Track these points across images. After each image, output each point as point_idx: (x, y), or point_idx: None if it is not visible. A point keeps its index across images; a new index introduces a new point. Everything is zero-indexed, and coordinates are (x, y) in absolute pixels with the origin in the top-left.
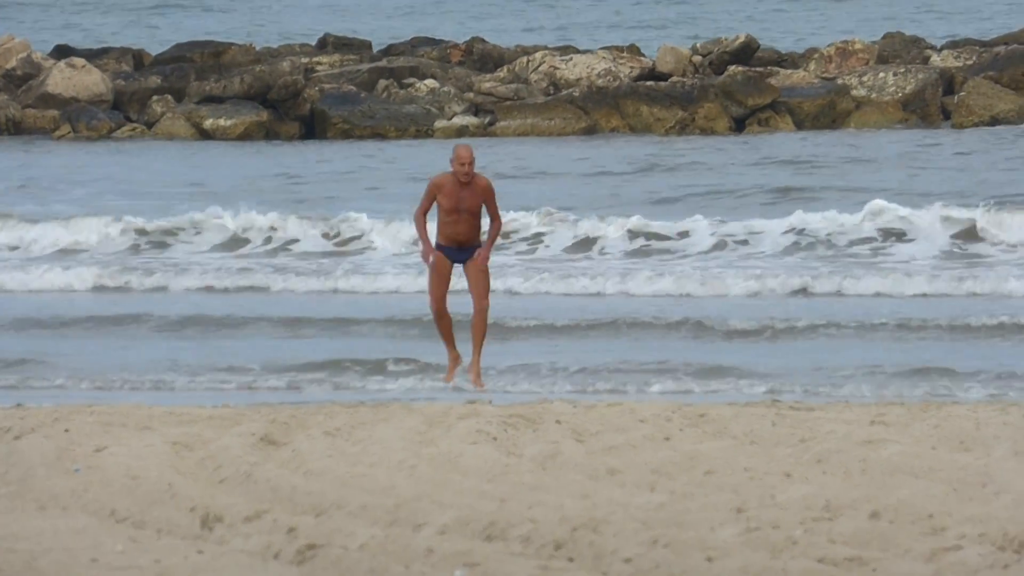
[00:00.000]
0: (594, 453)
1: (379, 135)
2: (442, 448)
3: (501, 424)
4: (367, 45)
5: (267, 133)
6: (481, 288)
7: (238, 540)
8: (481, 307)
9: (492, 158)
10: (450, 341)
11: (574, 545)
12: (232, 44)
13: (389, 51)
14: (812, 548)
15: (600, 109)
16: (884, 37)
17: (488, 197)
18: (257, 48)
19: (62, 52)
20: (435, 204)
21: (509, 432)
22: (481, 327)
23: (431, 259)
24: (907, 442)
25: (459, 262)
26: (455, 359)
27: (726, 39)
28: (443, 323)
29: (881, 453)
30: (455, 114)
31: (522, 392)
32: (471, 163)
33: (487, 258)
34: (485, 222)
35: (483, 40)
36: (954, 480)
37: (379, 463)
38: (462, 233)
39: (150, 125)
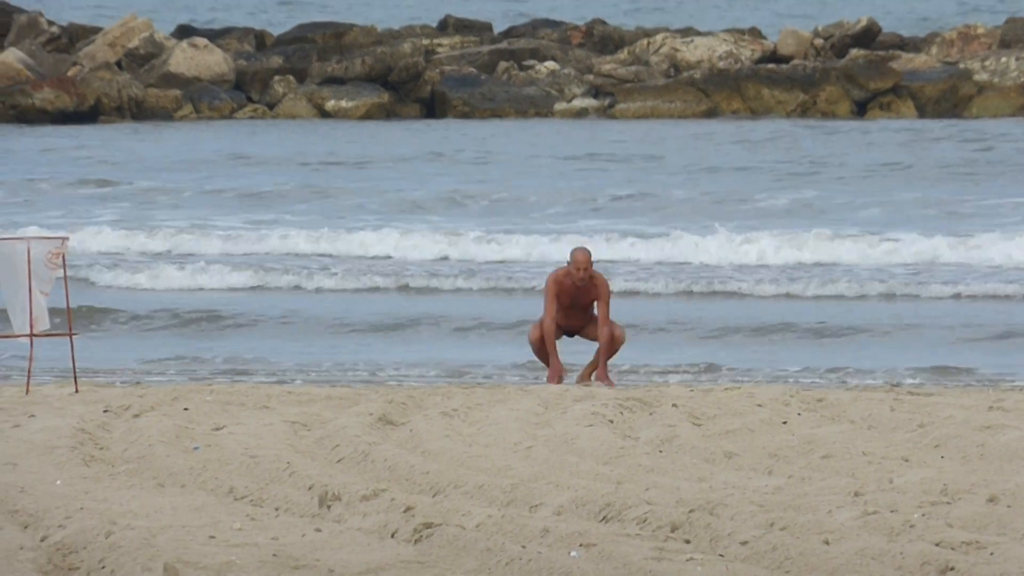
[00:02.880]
0: (711, 436)
1: (498, 117)
2: (558, 430)
3: (617, 407)
4: (488, 27)
5: (388, 114)
6: (606, 322)
7: (355, 518)
8: (617, 334)
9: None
10: (554, 350)
11: (690, 527)
12: (354, 25)
13: (509, 33)
14: (929, 532)
15: (721, 91)
16: (1007, 22)
17: (602, 298)
18: (378, 29)
19: (184, 32)
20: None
21: (625, 415)
22: (614, 343)
23: (562, 380)
24: None
25: (572, 334)
26: (559, 368)
27: (848, 22)
28: (549, 330)
29: (999, 438)
30: (575, 96)
31: None
32: (588, 267)
33: (606, 376)
34: None
35: (604, 22)
36: None
37: (495, 444)
38: (574, 324)
39: (271, 106)
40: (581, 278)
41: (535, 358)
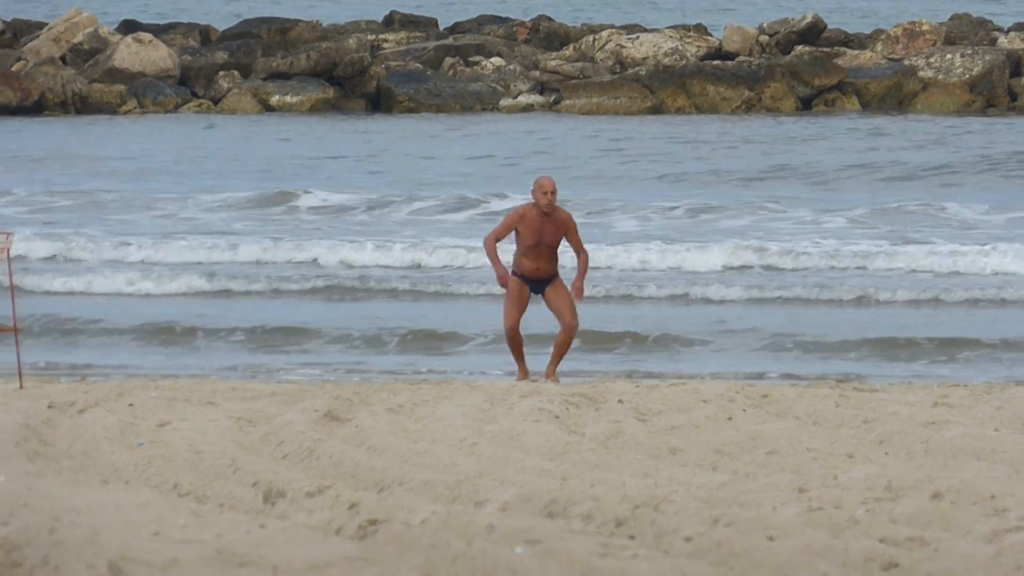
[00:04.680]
0: (656, 432)
1: (444, 112)
2: (504, 426)
3: (563, 403)
4: (433, 22)
5: (333, 109)
6: (569, 308)
7: (300, 515)
8: (570, 325)
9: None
10: (521, 359)
11: (635, 523)
12: (299, 21)
13: (455, 29)
14: (874, 528)
15: (666, 88)
16: (951, 18)
17: (570, 230)
18: (324, 25)
19: (129, 27)
20: (512, 235)
21: (571, 411)
22: (565, 343)
23: (508, 284)
24: (970, 424)
25: (537, 292)
26: (524, 374)
27: (793, 19)
28: (515, 343)
29: (943, 434)
30: (520, 92)
31: None
32: (554, 192)
33: (582, 289)
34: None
35: (549, 18)
36: (1016, 462)
37: (441, 440)
38: (542, 268)
39: (216, 101)
40: (549, 202)
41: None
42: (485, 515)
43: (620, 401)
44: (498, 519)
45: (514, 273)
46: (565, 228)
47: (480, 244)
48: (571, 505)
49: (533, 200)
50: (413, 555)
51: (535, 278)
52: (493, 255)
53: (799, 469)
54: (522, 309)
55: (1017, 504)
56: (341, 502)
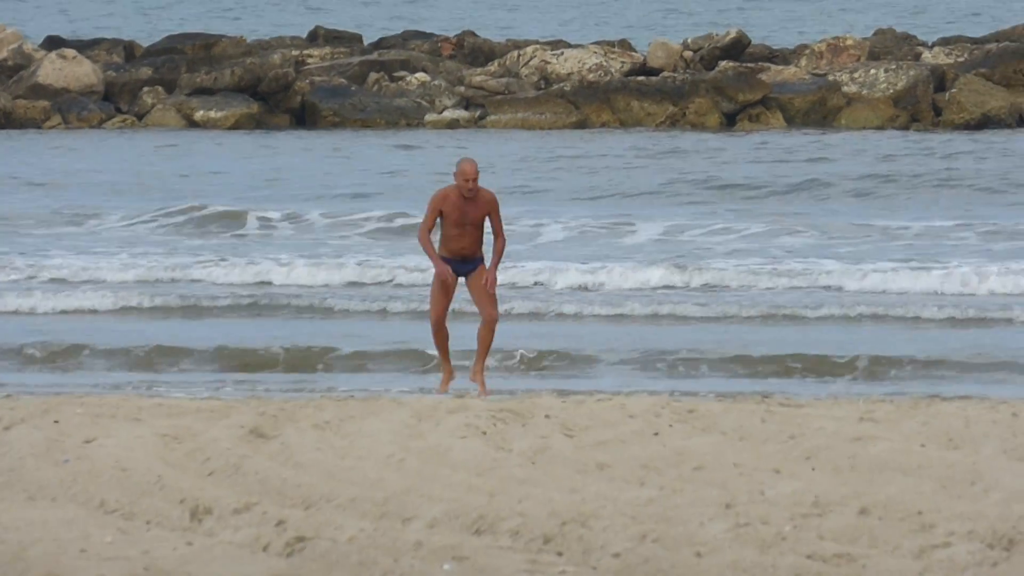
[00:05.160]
0: (583, 448)
1: (369, 128)
2: (431, 442)
3: (490, 418)
4: (358, 38)
5: (257, 125)
6: (488, 299)
7: (227, 532)
8: (491, 318)
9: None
10: (445, 355)
11: (563, 539)
12: (223, 36)
13: (380, 44)
14: (801, 544)
15: (591, 104)
16: (875, 33)
17: (492, 211)
18: (248, 40)
19: (53, 43)
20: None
21: (498, 426)
22: (488, 337)
23: (451, 273)
24: (896, 439)
25: (462, 275)
26: (449, 372)
27: (717, 34)
28: (440, 336)
29: (870, 450)
30: (446, 107)
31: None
32: (475, 178)
33: (495, 281)
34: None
35: (474, 34)
36: (943, 477)
37: (368, 456)
38: (467, 247)
39: (140, 116)
40: (470, 189)
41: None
42: (412, 532)
43: (547, 416)
44: (426, 536)
45: (441, 257)
46: (488, 208)
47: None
48: (499, 521)
49: (455, 184)
50: (341, 572)
51: (460, 257)
52: (428, 249)
53: (726, 484)
54: (449, 297)
55: (944, 520)
56: (268, 519)
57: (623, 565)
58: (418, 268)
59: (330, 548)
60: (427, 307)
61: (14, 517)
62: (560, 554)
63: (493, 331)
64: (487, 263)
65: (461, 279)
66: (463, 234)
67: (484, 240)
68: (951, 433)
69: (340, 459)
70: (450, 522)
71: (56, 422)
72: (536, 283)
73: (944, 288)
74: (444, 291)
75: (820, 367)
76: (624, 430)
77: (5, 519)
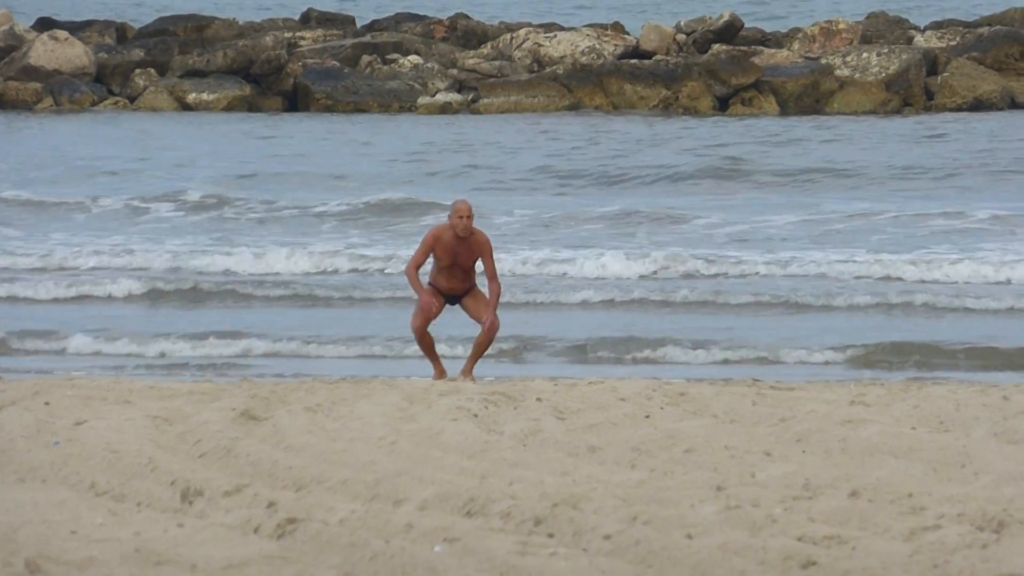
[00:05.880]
0: (575, 431)
1: (361, 110)
2: (423, 424)
3: (482, 401)
4: (350, 20)
5: (249, 107)
6: (486, 308)
7: (218, 514)
8: (492, 325)
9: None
10: (434, 356)
11: (554, 521)
12: (215, 18)
13: (372, 27)
14: (791, 526)
15: (584, 87)
16: (868, 17)
17: (485, 254)
18: (240, 23)
19: (45, 24)
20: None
21: (490, 409)
22: (485, 344)
23: (435, 303)
24: (887, 422)
25: (453, 304)
26: (441, 373)
27: (710, 18)
28: (424, 343)
29: (861, 433)
30: (438, 90)
31: None
32: (470, 217)
33: (495, 322)
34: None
35: (467, 16)
36: (933, 460)
37: (359, 439)
38: (457, 288)
39: (132, 99)
40: (465, 227)
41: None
42: (404, 514)
43: (539, 399)
44: (417, 518)
45: (430, 284)
46: (480, 251)
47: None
48: (490, 503)
49: (450, 223)
50: (332, 554)
51: (451, 295)
52: (415, 283)
53: (717, 467)
54: (430, 319)
55: (934, 502)
56: (259, 501)
57: (614, 547)
58: None
59: (321, 530)
60: None
61: (4, 499)
62: (551, 536)
63: (492, 339)
64: (479, 286)
65: (448, 305)
66: (452, 277)
67: (475, 277)
68: (942, 416)
69: (331, 441)
70: (441, 504)
71: (47, 404)
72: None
73: None
74: (425, 316)
75: None
76: (615, 413)
77: None
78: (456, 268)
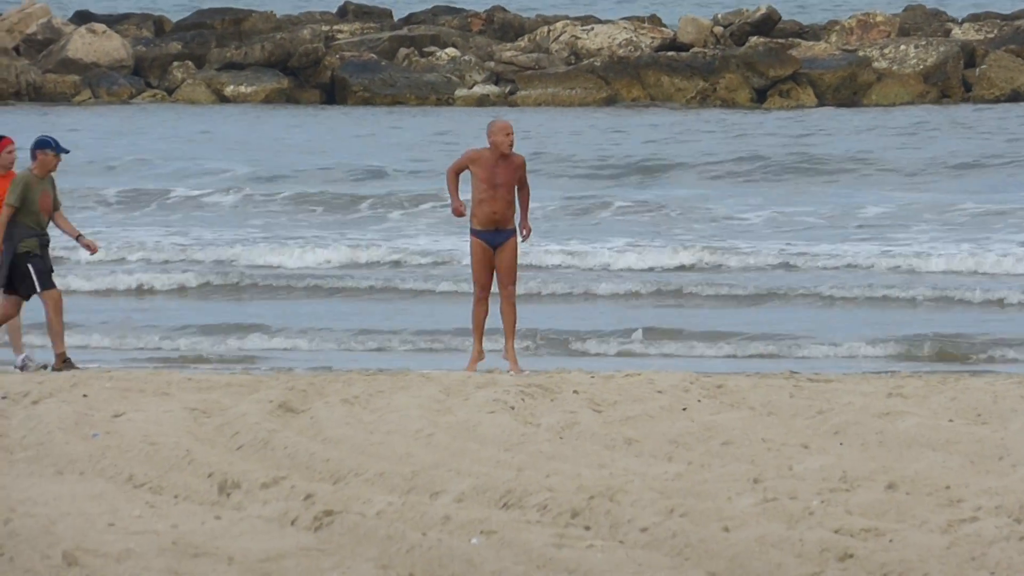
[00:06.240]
0: (611, 423)
1: (399, 103)
2: (460, 417)
3: (519, 394)
4: (388, 13)
5: (287, 100)
6: (509, 274)
7: (255, 506)
8: (508, 293)
9: None
10: (480, 334)
11: (591, 514)
12: (253, 11)
13: (410, 19)
14: (829, 519)
15: (621, 79)
16: (905, 9)
17: (523, 173)
18: (278, 15)
19: (83, 17)
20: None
21: (527, 402)
22: (511, 313)
23: (464, 211)
24: (924, 414)
25: (495, 246)
26: (479, 354)
27: (747, 10)
28: (480, 311)
29: (898, 425)
30: (475, 83)
31: None
32: (512, 132)
33: (529, 228)
34: None
35: (504, 9)
36: (971, 452)
37: (396, 431)
38: (499, 211)
39: (170, 91)
40: (509, 143)
41: None
42: (441, 506)
43: (575, 392)
44: (454, 510)
45: (473, 232)
46: (521, 170)
47: None
48: (526, 496)
49: (491, 142)
50: (369, 546)
51: (493, 226)
52: (452, 186)
53: (754, 460)
54: (490, 269)
55: (971, 495)
56: (296, 493)
57: (651, 539)
58: None
59: (358, 522)
60: None
61: (43, 491)
62: (588, 528)
63: (514, 305)
64: (516, 239)
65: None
66: (495, 196)
67: (515, 207)
68: (979, 408)
69: (369, 434)
70: (478, 496)
71: (85, 396)
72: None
73: None
74: (483, 263)
75: None
76: (652, 405)
77: (34, 493)
78: (499, 187)
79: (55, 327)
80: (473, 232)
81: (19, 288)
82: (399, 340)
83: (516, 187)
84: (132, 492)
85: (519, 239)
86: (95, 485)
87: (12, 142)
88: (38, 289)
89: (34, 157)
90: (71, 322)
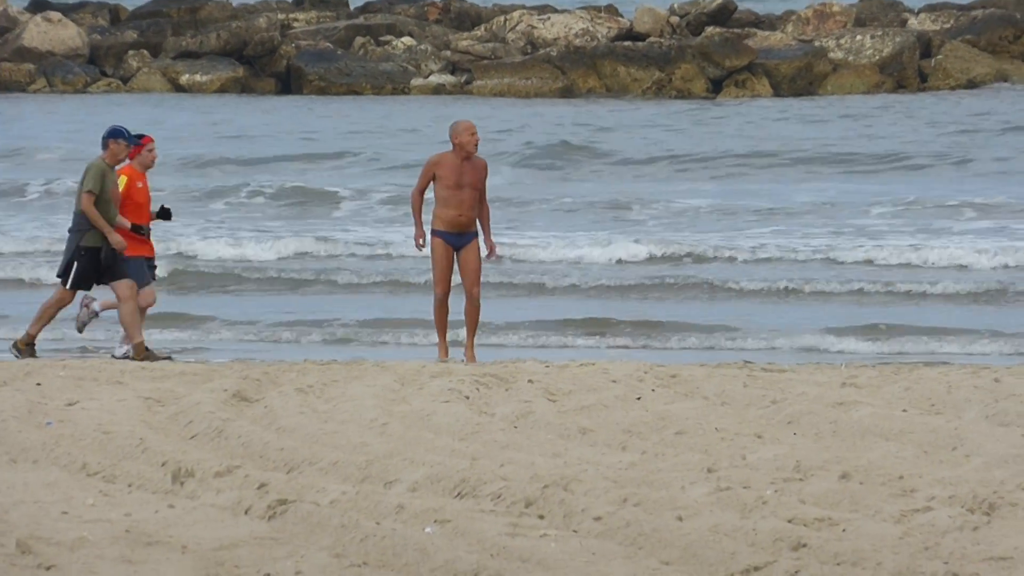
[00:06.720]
0: (566, 412)
1: (355, 92)
2: (414, 406)
3: (473, 383)
4: (344, 2)
5: (243, 89)
6: (473, 276)
7: (209, 495)
8: (473, 295)
9: None
10: (443, 333)
11: (545, 503)
12: (209, 0)
13: (366, 8)
14: (782, 508)
15: (577, 69)
16: (862, 0)
17: (485, 176)
18: (234, 4)
19: (38, 6)
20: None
21: (481, 391)
22: (474, 314)
23: (424, 244)
24: (878, 404)
25: (458, 248)
26: (445, 353)
27: (703, 0)
28: (442, 312)
29: (852, 415)
30: (432, 72)
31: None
32: (476, 133)
33: (493, 244)
34: None
35: None
36: (924, 442)
37: (351, 420)
38: (464, 213)
39: (125, 80)
40: (475, 143)
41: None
42: (395, 495)
43: (530, 381)
44: (408, 499)
45: (435, 232)
46: (484, 172)
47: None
48: (481, 485)
49: (455, 144)
50: (322, 535)
51: (457, 229)
52: (416, 211)
53: (708, 449)
54: (450, 269)
55: (925, 484)
56: (250, 482)
57: (604, 528)
58: None
59: (312, 511)
60: None
61: None
62: (542, 517)
63: (478, 308)
64: (478, 241)
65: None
66: (461, 199)
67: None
68: (933, 398)
69: (323, 423)
70: (432, 486)
71: (39, 385)
72: None
73: None
74: (443, 265)
75: None
76: (607, 395)
77: None
78: (464, 190)
79: (124, 319)
80: (435, 232)
81: (97, 280)
82: (346, 332)
83: (478, 192)
84: (86, 481)
85: (482, 253)
86: (49, 473)
87: (152, 140)
88: (67, 286)
89: (105, 146)
90: (14, 315)
